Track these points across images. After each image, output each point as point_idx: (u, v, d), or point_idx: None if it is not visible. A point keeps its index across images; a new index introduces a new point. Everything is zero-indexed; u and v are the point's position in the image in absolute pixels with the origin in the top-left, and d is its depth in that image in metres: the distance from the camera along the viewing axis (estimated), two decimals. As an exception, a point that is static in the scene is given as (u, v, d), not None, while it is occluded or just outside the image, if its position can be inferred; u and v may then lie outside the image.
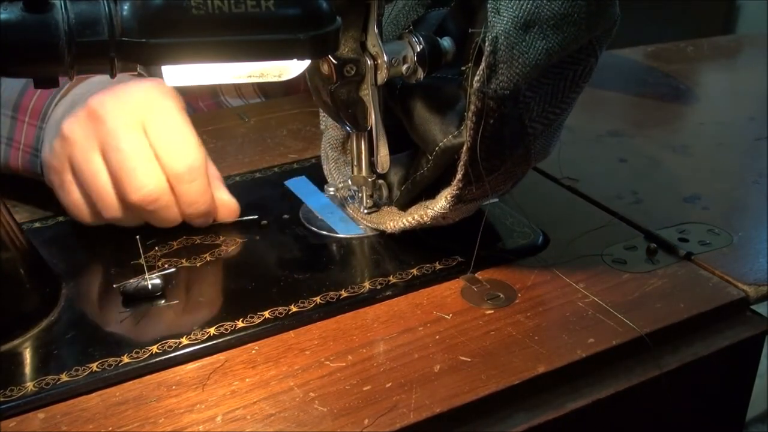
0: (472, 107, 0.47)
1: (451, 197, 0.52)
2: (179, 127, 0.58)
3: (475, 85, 0.46)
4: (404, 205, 0.60)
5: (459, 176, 0.50)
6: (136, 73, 0.47)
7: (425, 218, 0.55)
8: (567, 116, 0.53)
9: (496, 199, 0.65)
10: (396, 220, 0.58)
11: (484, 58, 0.46)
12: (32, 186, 0.65)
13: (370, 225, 0.61)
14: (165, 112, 0.58)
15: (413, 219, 0.56)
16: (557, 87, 0.50)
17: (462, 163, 0.50)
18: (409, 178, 0.59)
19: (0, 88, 0.65)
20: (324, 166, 0.68)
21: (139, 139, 0.56)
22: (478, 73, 0.46)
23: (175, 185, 0.57)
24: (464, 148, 0.49)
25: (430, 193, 0.56)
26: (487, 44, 0.46)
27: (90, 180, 0.56)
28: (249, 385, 0.46)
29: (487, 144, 0.48)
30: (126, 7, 0.43)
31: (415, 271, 0.56)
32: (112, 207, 0.57)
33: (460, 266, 0.57)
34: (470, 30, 0.50)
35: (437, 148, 0.54)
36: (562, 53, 0.48)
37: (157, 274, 0.53)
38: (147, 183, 0.55)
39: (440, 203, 0.53)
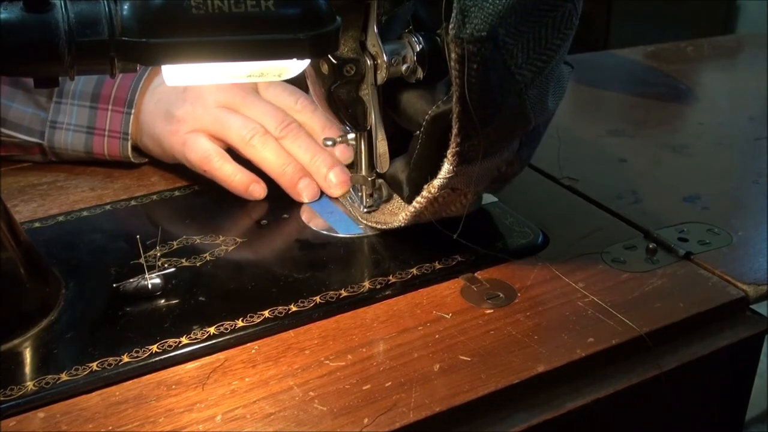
0: (453, 55, 0.47)
1: (452, 156, 0.51)
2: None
3: (451, 33, 0.46)
4: (414, 197, 0.57)
5: (455, 131, 0.50)
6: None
7: (433, 190, 0.53)
8: (559, 66, 0.53)
9: (495, 199, 0.65)
10: (406, 209, 0.56)
11: (454, 4, 0.46)
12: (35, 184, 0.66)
13: (379, 227, 0.60)
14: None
15: (422, 198, 0.54)
16: (539, 33, 0.49)
17: (455, 115, 0.49)
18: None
19: (71, 82, 0.71)
20: None
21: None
22: (452, 21, 0.46)
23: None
24: (453, 99, 0.48)
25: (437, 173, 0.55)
26: None
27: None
28: (249, 385, 0.46)
29: (475, 91, 0.48)
30: (126, 7, 0.43)
31: (414, 271, 0.56)
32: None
33: (459, 266, 0.57)
34: None
35: (426, 117, 0.53)
36: None
37: (157, 274, 0.53)
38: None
39: (444, 167, 0.52)
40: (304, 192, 0.65)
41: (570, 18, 0.50)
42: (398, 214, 0.59)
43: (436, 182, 0.53)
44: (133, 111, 0.69)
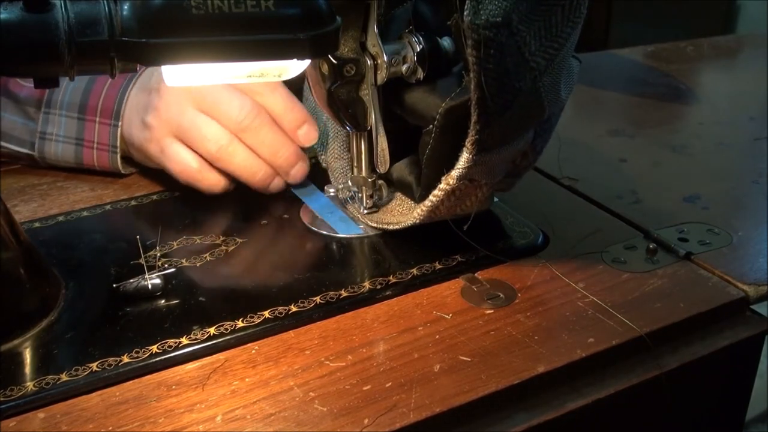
0: (470, 42, 0.47)
1: (471, 144, 0.50)
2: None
3: (466, 20, 0.46)
4: (428, 195, 0.56)
5: (474, 118, 0.49)
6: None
7: (452, 181, 0.52)
8: (568, 56, 0.53)
9: (496, 199, 0.65)
10: (421, 206, 0.56)
11: None
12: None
13: (390, 227, 0.60)
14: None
15: (439, 191, 0.54)
16: (549, 21, 0.50)
17: (474, 102, 0.49)
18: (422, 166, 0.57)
19: (58, 92, 0.70)
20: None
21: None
22: (467, 7, 0.46)
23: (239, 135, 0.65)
24: (472, 86, 0.48)
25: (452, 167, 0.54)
26: None
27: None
28: (249, 385, 0.46)
29: (492, 76, 0.48)
30: (126, 7, 0.43)
31: (415, 271, 0.56)
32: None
33: (460, 266, 0.56)
34: None
35: (440, 110, 0.53)
36: None
37: (157, 274, 0.53)
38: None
39: (463, 157, 0.51)
40: (274, 190, 0.67)
41: (579, 6, 0.51)
42: (410, 212, 0.59)
43: (455, 173, 0.52)
44: (120, 123, 0.68)
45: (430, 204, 0.55)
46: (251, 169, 0.65)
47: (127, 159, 0.71)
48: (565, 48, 0.51)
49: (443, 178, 0.53)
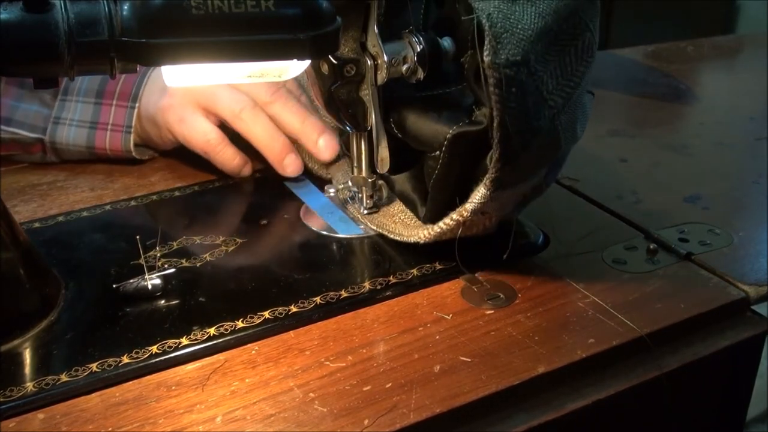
0: (492, 80, 0.47)
1: (490, 182, 0.50)
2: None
3: (486, 60, 0.47)
4: (434, 217, 0.57)
5: (496, 156, 0.49)
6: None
7: (465, 213, 0.52)
8: (583, 94, 0.53)
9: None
10: (430, 228, 0.55)
11: (486, 33, 0.46)
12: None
13: (391, 236, 0.59)
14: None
15: (451, 220, 0.53)
16: (564, 62, 0.50)
17: (496, 141, 0.49)
18: (428, 187, 0.57)
19: (76, 80, 0.72)
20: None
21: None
22: (486, 48, 0.47)
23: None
24: (494, 124, 0.48)
25: (462, 194, 0.54)
26: (484, 21, 0.47)
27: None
28: (249, 386, 0.46)
29: (515, 115, 0.48)
30: (126, 7, 0.43)
31: (415, 271, 0.56)
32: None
33: (460, 267, 0.56)
34: (462, 17, 0.50)
35: (447, 136, 0.53)
36: (555, 17, 0.49)
37: (157, 274, 0.53)
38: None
39: (480, 192, 0.51)
40: (288, 168, 0.67)
41: (591, 47, 0.51)
42: (413, 227, 0.58)
43: (470, 206, 0.52)
44: (137, 105, 0.70)
45: (438, 230, 0.55)
46: (271, 135, 0.66)
47: (137, 146, 0.72)
48: (580, 87, 0.52)
49: (457, 209, 0.53)
